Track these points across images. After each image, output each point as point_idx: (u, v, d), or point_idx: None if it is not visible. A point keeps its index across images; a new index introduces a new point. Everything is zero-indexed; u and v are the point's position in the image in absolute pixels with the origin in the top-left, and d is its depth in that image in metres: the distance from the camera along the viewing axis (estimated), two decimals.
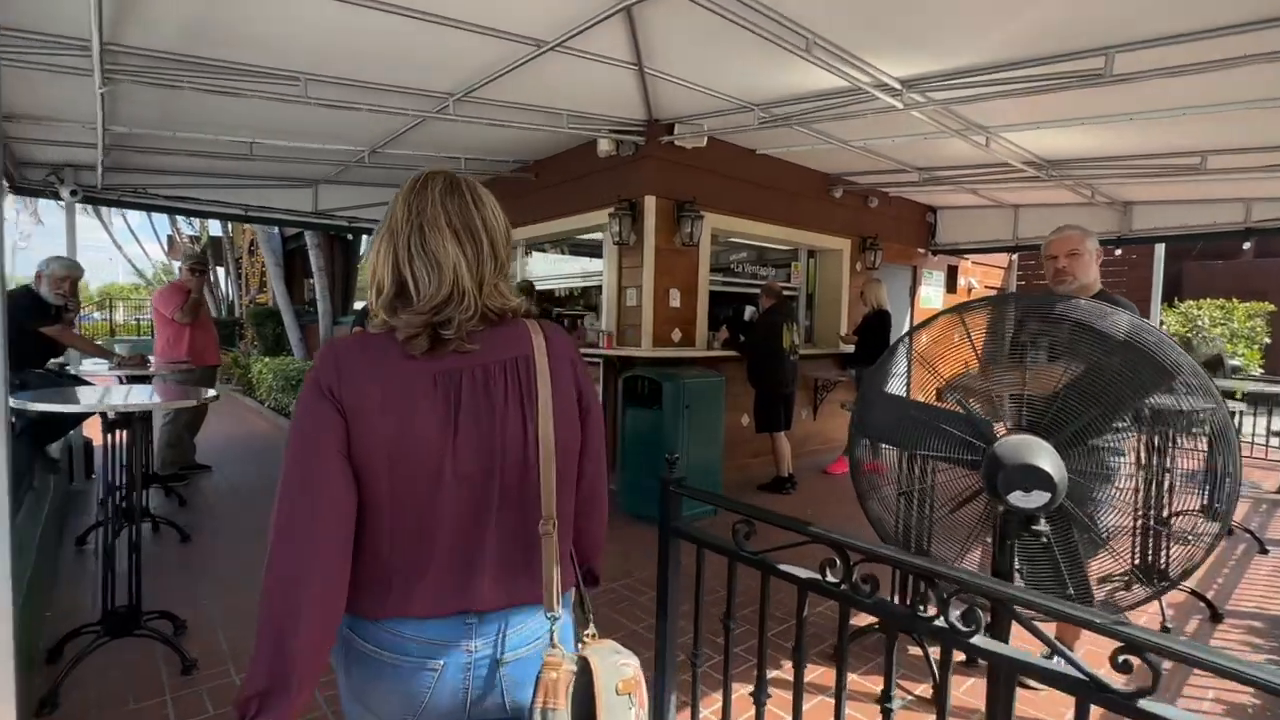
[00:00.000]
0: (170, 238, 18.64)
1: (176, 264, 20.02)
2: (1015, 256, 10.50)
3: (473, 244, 1.03)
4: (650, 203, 5.22)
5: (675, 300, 5.43)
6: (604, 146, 5.23)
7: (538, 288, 7.14)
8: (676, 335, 5.46)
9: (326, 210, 6.73)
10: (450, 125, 4.76)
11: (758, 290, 6.57)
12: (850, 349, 6.46)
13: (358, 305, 10.56)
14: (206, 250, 17.25)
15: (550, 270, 7.13)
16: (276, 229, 12.04)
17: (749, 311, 6.56)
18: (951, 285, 8.93)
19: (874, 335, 6.18)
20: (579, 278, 6.95)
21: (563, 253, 7.08)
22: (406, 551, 0.97)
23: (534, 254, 7.26)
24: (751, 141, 5.65)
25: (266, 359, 10.65)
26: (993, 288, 10.22)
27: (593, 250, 6.75)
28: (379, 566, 0.97)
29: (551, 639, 0.98)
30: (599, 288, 7.29)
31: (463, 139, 5.43)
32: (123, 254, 27.76)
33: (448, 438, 0.96)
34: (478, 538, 0.99)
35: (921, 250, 8.23)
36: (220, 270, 17.58)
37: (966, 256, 9.09)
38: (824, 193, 6.72)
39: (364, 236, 10.39)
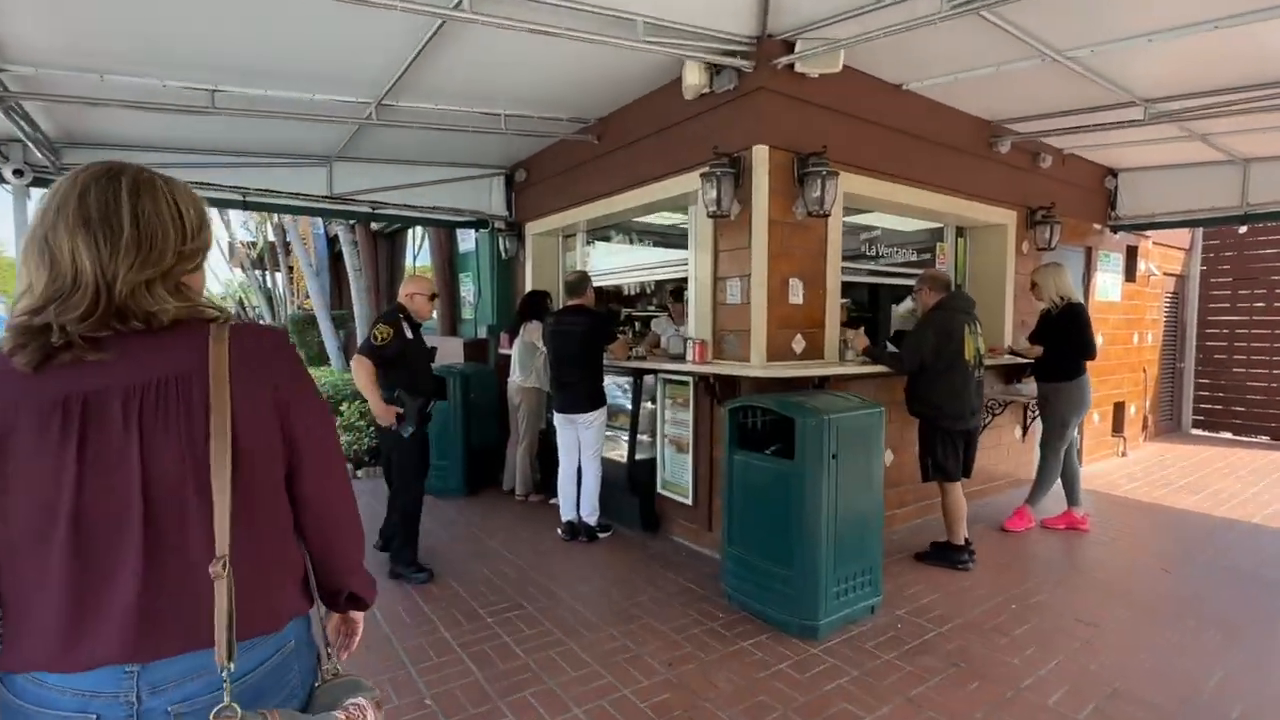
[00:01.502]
0: (231, 245, 18.33)
1: (239, 272, 19.91)
2: (1200, 235, 8.31)
3: (107, 233, 0.91)
4: (761, 155, 3.64)
5: (796, 294, 3.83)
6: (693, 79, 3.68)
7: (596, 284, 5.68)
8: (798, 344, 3.85)
9: (344, 194, 5.48)
10: (484, 53, 3.34)
11: (894, 278, 4.89)
12: (1027, 358, 4.68)
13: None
14: (261, 251, 16.76)
15: (614, 262, 5.65)
16: (321, 223, 11.09)
17: (903, 307, 4.87)
18: (1131, 272, 6.91)
19: (1062, 337, 4.39)
20: (650, 269, 5.43)
21: (630, 241, 5.59)
22: (30, 602, 0.91)
23: (596, 244, 5.80)
24: (902, 67, 3.98)
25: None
26: (1172, 274, 8.06)
27: (666, 237, 5.20)
28: (8, 616, 0.92)
29: (225, 694, 0.91)
30: (680, 281, 5.77)
31: (501, 80, 4.01)
32: None
33: (63, 476, 0.88)
34: (111, 587, 0.90)
35: (1098, 226, 6.29)
36: (279, 275, 17.07)
37: (1148, 234, 7.05)
38: (984, 146, 4.96)
39: (413, 231, 9.24)
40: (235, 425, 0.93)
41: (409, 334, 3.64)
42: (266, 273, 17.46)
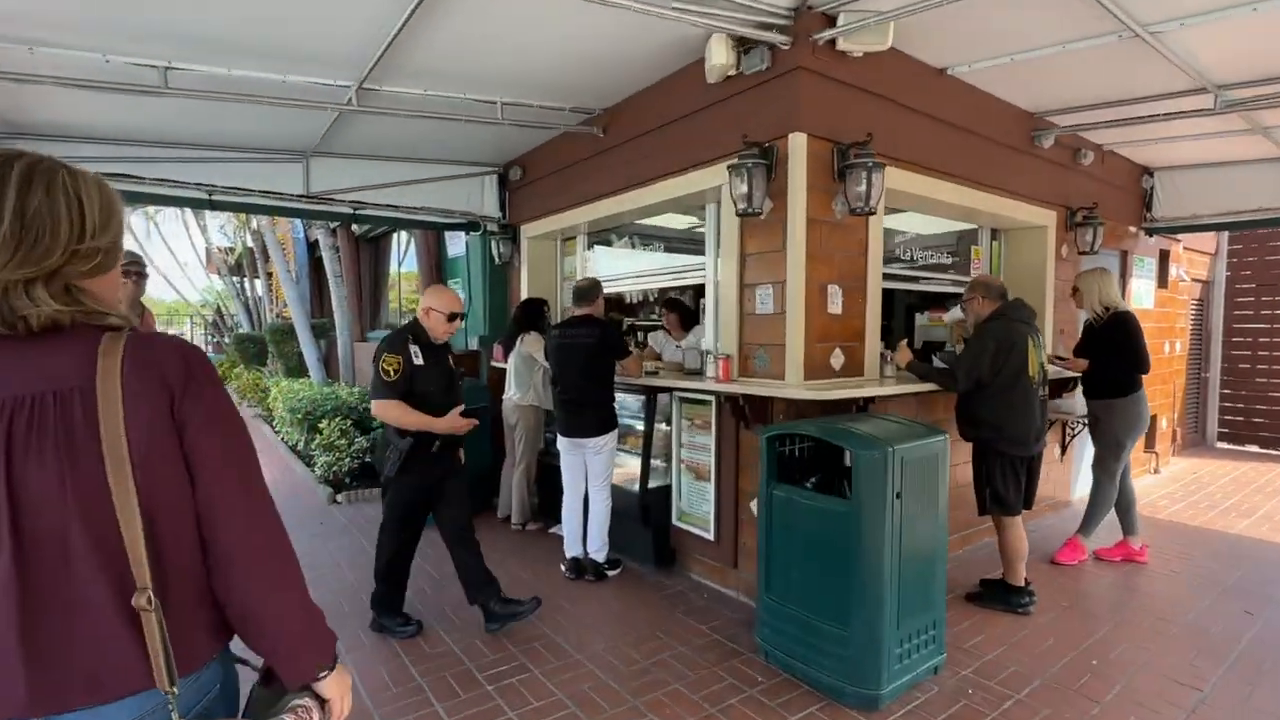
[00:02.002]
0: (208, 251, 17.69)
1: (216, 280, 19.21)
2: (1226, 239, 7.99)
3: None
4: (798, 145, 3.19)
5: (835, 303, 3.37)
6: (719, 58, 3.23)
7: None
8: (837, 360, 3.40)
9: (323, 193, 4.97)
10: (478, 24, 2.88)
11: (914, 283, 4.47)
12: (1073, 372, 4.27)
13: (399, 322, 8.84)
14: (241, 257, 16.15)
15: (618, 268, 5.18)
16: (301, 226, 10.55)
17: (950, 316, 4.45)
18: (1164, 278, 6.55)
19: (1111, 349, 3.99)
20: (659, 275, 4.96)
21: (633, 245, 5.13)
22: None
23: (596, 249, 5.33)
24: (948, 48, 3.56)
25: (284, 382, 9.09)
26: (1199, 279, 7.73)
27: (671, 241, 4.75)
28: None
29: None
30: (681, 289, 5.32)
31: (497, 62, 3.54)
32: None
33: None
34: None
35: (1133, 229, 5.91)
36: (258, 282, 16.46)
37: (1180, 238, 6.70)
38: (1025, 141, 4.55)
39: (398, 234, 8.71)
40: (130, 447, 0.86)
41: (418, 358, 3.10)
42: (245, 279, 16.86)
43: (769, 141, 3.26)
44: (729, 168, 3.24)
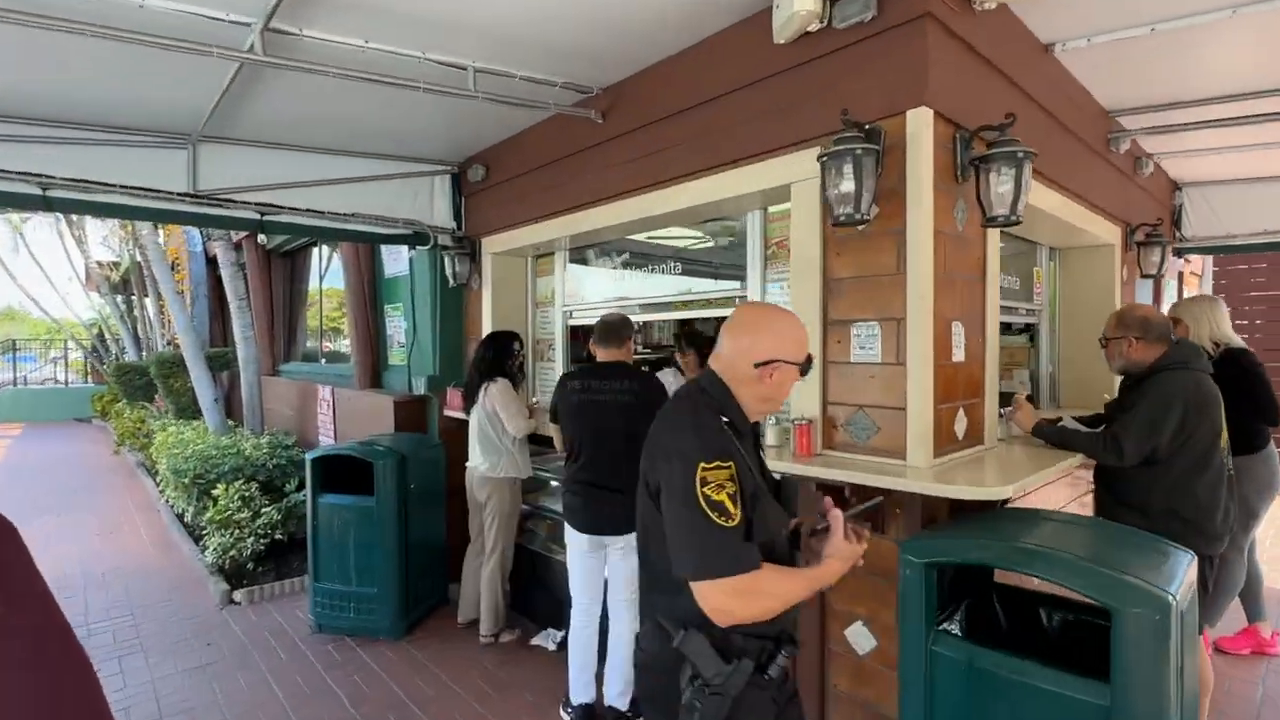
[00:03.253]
0: (87, 267, 15.30)
1: (97, 298, 16.67)
2: (1210, 263, 7.76)
3: None
4: (921, 125, 2.25)
5: (959, 347, 2.44)
6: (803, 3, 2.27)
7: (574, 320, 4.16)
8: (960, 425, 2.46)
9: (215, 192, 3.68)
10: None
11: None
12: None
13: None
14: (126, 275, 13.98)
15: (607, 291, 4.12)
16: (199, 235, 8.90)
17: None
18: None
19: (1231, 397, 3.25)
20: (664, 304, 3.91)
21: (615, 265, 4.10)
22: None
23: (575, 266, 4.25)
24: (1060, 17, 2.75)
25: (171, 426, 7.43)
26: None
27: (666, 259, 3.74)
28: None
29: None
30: (703, 320, 4.29)
31: (470, 6, 2.45)
32: None
33: None
34: None
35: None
36: (147, 302, 14.28)
37: (1189, 260, 6.30)
38: (1102, 143, 3.84)
39: (320, 248, 7.29)
40: None
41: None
42: (135, 298, 14.62)
43: (874, 121, 2.32)
44: (825, 157, 2.26)
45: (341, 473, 3.81)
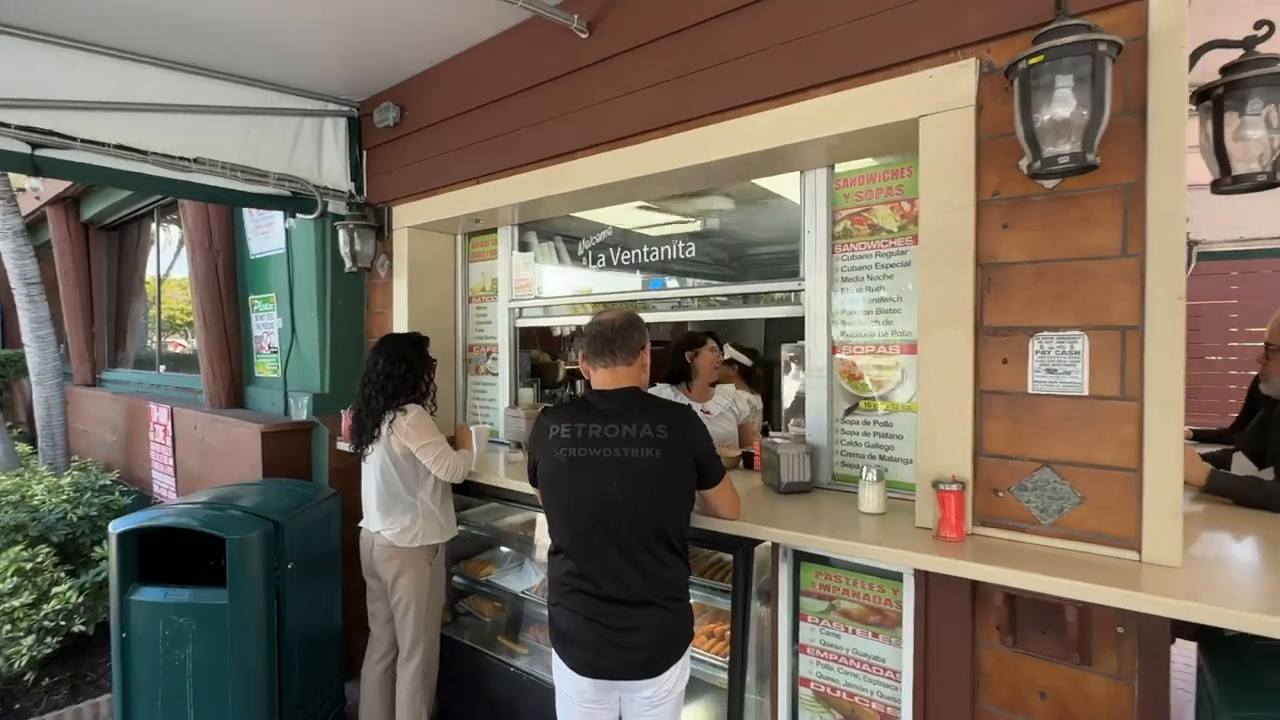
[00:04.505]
0: None
1: None
2: None
3: None
4: (1175, 14, 1.41)
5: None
6: None
7: (538, 320, 3.06)
8: None
9: None
10: None
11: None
12: None
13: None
14: None
15: (583, 280, 3.07)
16: None
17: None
18: None
19: None
20: (671, 302, 2.90)
21: (561, 257, 3.07)
22: None
23: (530, 247, 3.17)
24: None
25: None
26: None
27: (673, 243, 2.76)
28: None
29: None
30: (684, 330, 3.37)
31: None
32: None
33: None
34: None
35: None
36: None
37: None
38: None
39: (159, 223, 5.56)
40: None
41: None
42: None
43: (1088, 11, 1.46)
44: (1028, 61, 1.37)
45: (172, 550, 2.50)
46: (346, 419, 2.96)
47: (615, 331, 1.68)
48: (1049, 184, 1.53)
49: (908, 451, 2.02)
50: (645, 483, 1.56)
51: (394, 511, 2.44)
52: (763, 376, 4.32)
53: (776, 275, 2.32)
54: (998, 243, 1.61)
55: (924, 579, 1.65)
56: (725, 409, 2.92)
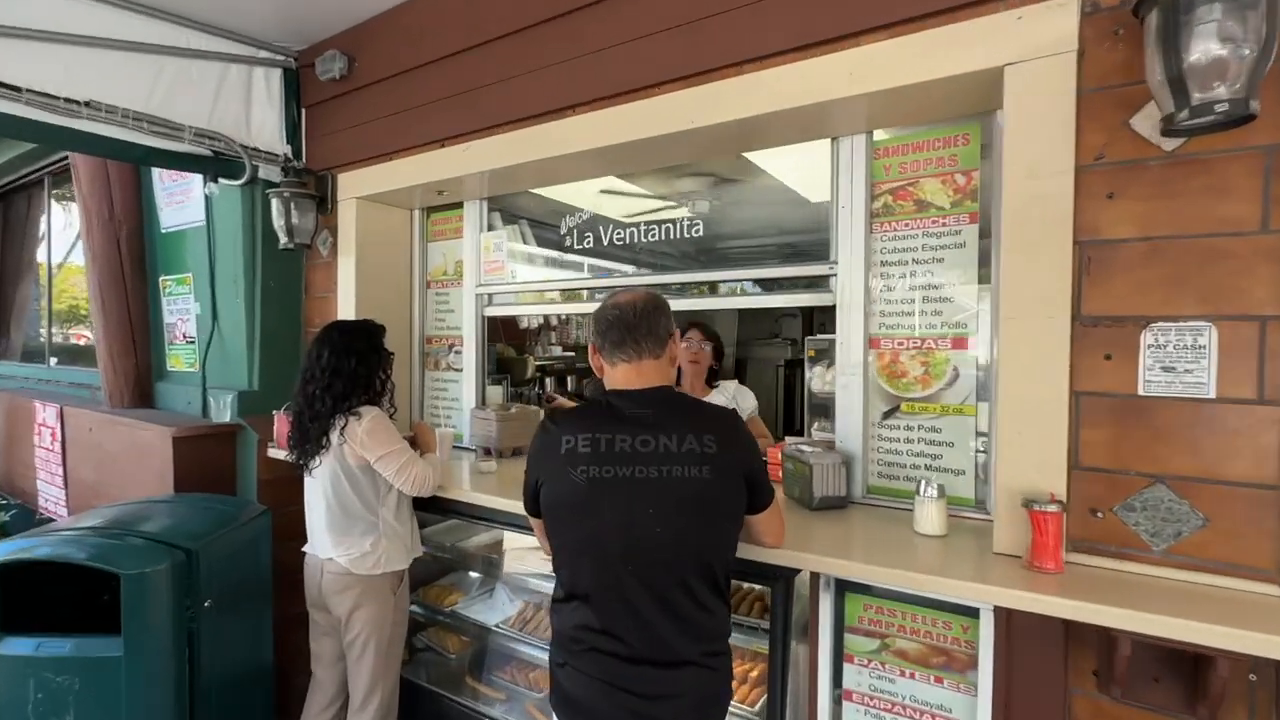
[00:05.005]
0: None
1: None
2: None
3: None
4: None
5: None
6: None
7: (507, 307, 2.68)
8: None
9: None
10: None
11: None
12: None
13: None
14: None
15: (564, 264, 2.72)
16: None
17: None
18: None
19: None
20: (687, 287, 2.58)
21: (573, 226, 2.72)
22: None
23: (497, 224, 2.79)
24: None
25: None
26: None
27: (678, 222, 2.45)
28: None
29: None
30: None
31: None
32: None
33: None
34: None
35: None
36: None
37: None
38: None
39: (49, 196, 4.79)
40: None
41: None
42: None
43: None
44: None
45: (53, 585, 1.99)
46: (282, 422, 2.51)
47: (639, 316, 1.33)
48: (1169, 145, 1.28)
49: (959, 461, 1.77)
50: (691, 509, 1.22)
51: (350, 534, 2.02)
52: (732, 372, 4.06)
53: (799, 259, 2.03)
54: (1100, 215, 1.35)
55: (1005, 615, 1.38)
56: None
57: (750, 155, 2.14)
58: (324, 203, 2.85)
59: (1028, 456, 1.41)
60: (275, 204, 2.74)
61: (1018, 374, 1.42)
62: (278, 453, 2.60)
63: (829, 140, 1.93)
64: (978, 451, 1.75)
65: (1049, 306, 1.38)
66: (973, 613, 1.46)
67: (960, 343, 1.76)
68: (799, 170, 2.09)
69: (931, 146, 1.80)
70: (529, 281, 2.66)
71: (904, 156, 1.84)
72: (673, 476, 1.20)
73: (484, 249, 2.73)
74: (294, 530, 2.25)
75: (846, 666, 1.64)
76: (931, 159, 1.80)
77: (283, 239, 2.78)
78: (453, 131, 2.43)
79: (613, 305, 1.35)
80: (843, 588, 1.63)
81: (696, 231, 2.23)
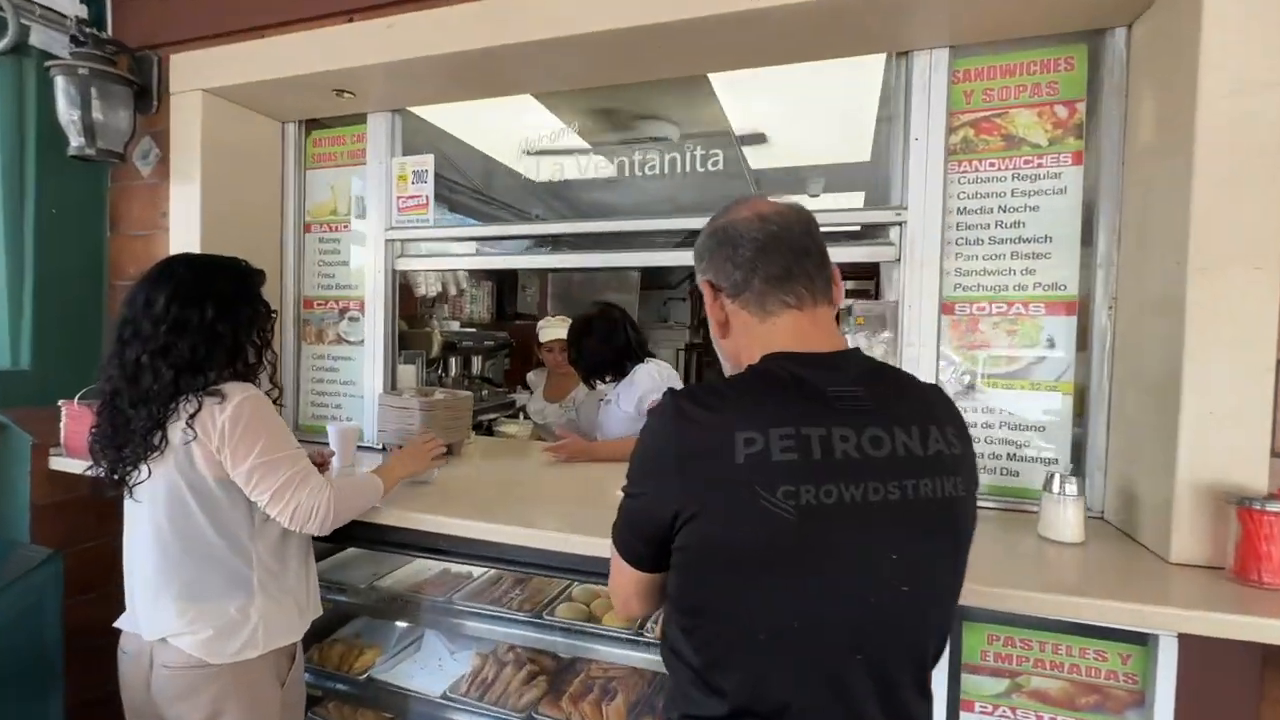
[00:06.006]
0: None
1: None
2: None
3: None
4: None
5: None
6: None
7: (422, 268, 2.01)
8: None
9: None
10: None
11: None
12: None
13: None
14: None
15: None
16: None
17: None
18: None
19: None
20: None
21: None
22: None
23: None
24: None
25: None
26: None
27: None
28: None
29: None
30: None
31: None
32: None
33: None
34: None
35: None
36: None
37: None
38: None
39: None
40: None
41: None
42: None
43: None
44: None
45: None
46: (79, 415, 1.65)
47: (808, 234, 0.83)
48: None
49: (1050, 449, 1.48)
50: (948, 551, 0.75)
51: (204, 596, 1.27)
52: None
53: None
54: None
55: (1196, 644, 1.09)
56: (641, 395, 2.13)
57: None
58: (145, 95, 1.96)
59: (1223, 440, 1.12)
60: (62, 85, 1.81)
61: (1210, 338, 1.13)
62: (68, 463, 1.72)
63: (883, 57, 1.55)
64: (1078, 437, 1.47)
65: (1257, 253, 1.10)
66: (1138, 639, 1.16)
67: (1060, 307, 1.47)
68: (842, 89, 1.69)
69: (1026, 70, 1.49)
70: (474, 227, 2.01)
71: (989, 82, 1.51)
72: (920, 497, 0.71)
73: (398, 179, 2.02)
74: (94, 577, 1.44)
75: (964, 716, 1.28)
76: (1025, 85, 1.49)
77: (74, 142, 1.85)
78: (360, 3, 1.72)
79: (758, 217, 0.83)
80: (959, 615, 1.26)
81: (715, 165, 1.74)
